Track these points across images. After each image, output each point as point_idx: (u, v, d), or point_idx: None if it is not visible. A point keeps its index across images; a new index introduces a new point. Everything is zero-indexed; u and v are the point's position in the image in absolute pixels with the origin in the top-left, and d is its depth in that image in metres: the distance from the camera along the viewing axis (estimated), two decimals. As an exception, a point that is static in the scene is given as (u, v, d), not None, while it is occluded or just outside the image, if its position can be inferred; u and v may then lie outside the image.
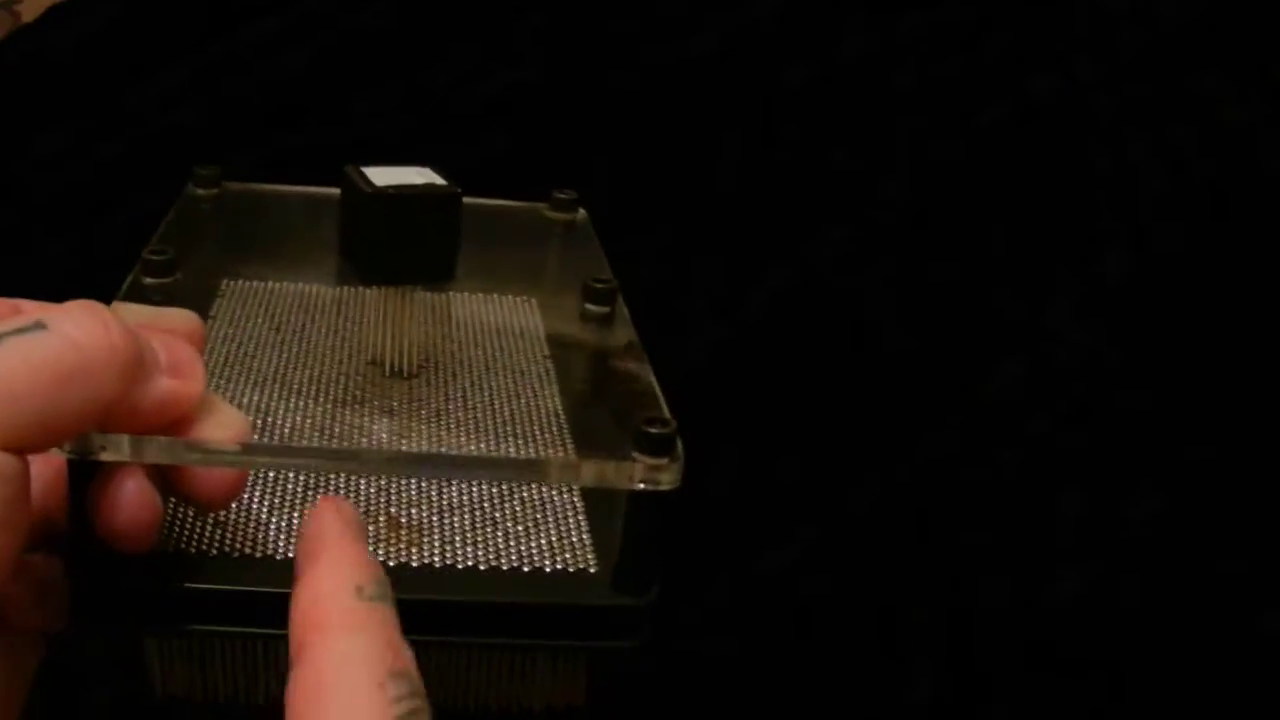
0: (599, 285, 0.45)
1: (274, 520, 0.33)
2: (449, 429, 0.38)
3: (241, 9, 0.77)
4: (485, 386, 0.40)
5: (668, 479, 0.32)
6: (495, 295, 0.47)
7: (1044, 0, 0.75)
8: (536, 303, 0.47)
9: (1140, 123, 0.70)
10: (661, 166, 0.69)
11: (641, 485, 0.31)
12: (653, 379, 0.38)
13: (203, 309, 0.43)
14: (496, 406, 0.39)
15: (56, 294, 0.43)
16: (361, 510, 0.34)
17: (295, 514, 0.34)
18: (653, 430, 0.32)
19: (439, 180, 0.41)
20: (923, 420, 0.56)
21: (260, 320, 0.43)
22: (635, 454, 0.32)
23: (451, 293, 0.47)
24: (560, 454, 0.37)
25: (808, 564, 0.50)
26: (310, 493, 0.35)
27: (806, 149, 0.70)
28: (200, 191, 0.51)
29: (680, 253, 0.65)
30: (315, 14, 0.77)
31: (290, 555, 0.32)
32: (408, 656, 0.23)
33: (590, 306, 0.45)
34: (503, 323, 0.45)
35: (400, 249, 0.41)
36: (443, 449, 0.36)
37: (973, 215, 0.67)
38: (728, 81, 0.73)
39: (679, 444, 0.32)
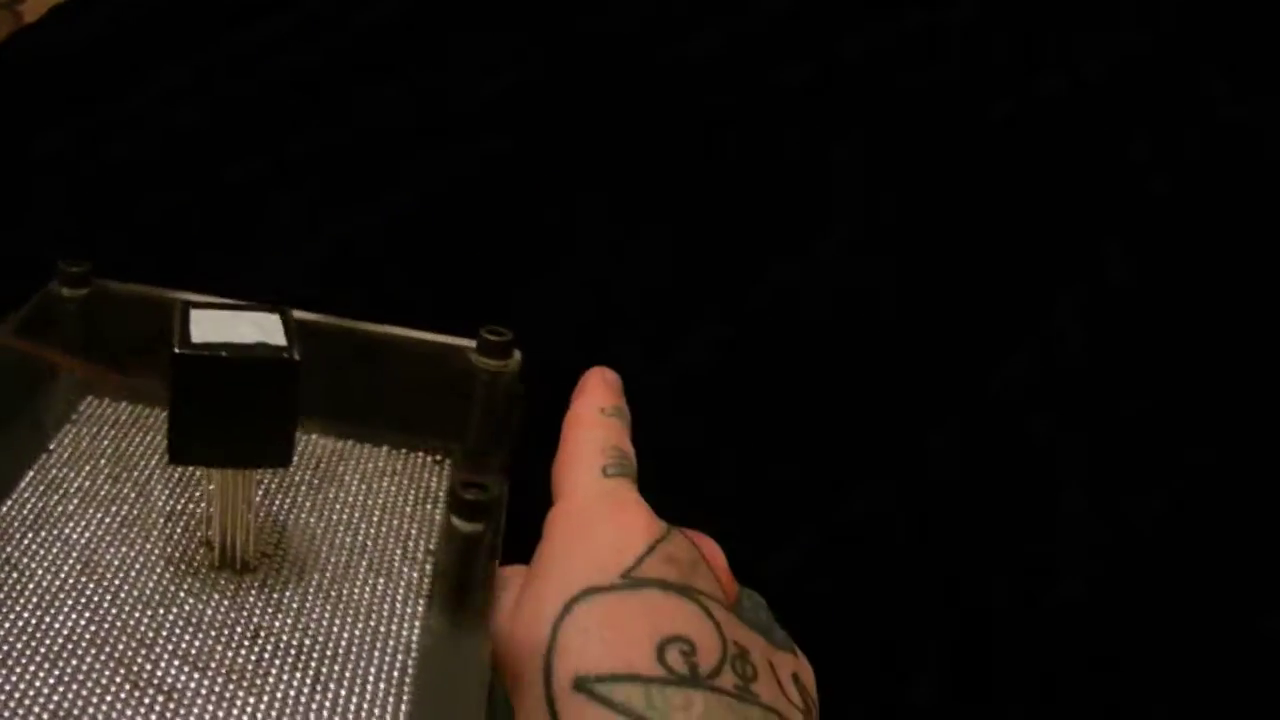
0: (469, 495, 0.36)
1: None
2: (252, 666, 0.31)
3: (242, 9, 0.77)
4: (334, 593, 0.34)
5: None
6: (403, 451, 0.40)
7: (1048, 0, 0.75)
8: (449, 466, 0.40)
9: (1144, 123, 0.70)
10: (662, 166, 0.69)
11: None
12: (484, 666, 0.31)
13: (45, 437, 0.37)
14: (335, 629, 0.33)
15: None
16: None
17: None
18: None
19: (276, 340, 0.33)
20: (924, 420, 0.56)
21: (102, 462, 0.37)
22: None
23: (350, 442, 0.40)
24: None
25: (809, 566, 0.50)
26: None
27: (808, 148, 0.70)
28: (65, 291, 0.43)
29: (681, 252, 0.65)
30: (317, 15, 0.77)
31: None
32: (627, 443, 0.36)
33: (457, 522, 0.36)
34: (397, 494, 0.38)
35: (208, 424, 0.32)
36: None
37: (974, 216, 0.67)
38: (728, 81, 0.73)
39: None
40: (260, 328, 0.33)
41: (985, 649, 0.48)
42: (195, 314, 0.33)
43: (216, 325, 0.33)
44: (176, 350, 0.32)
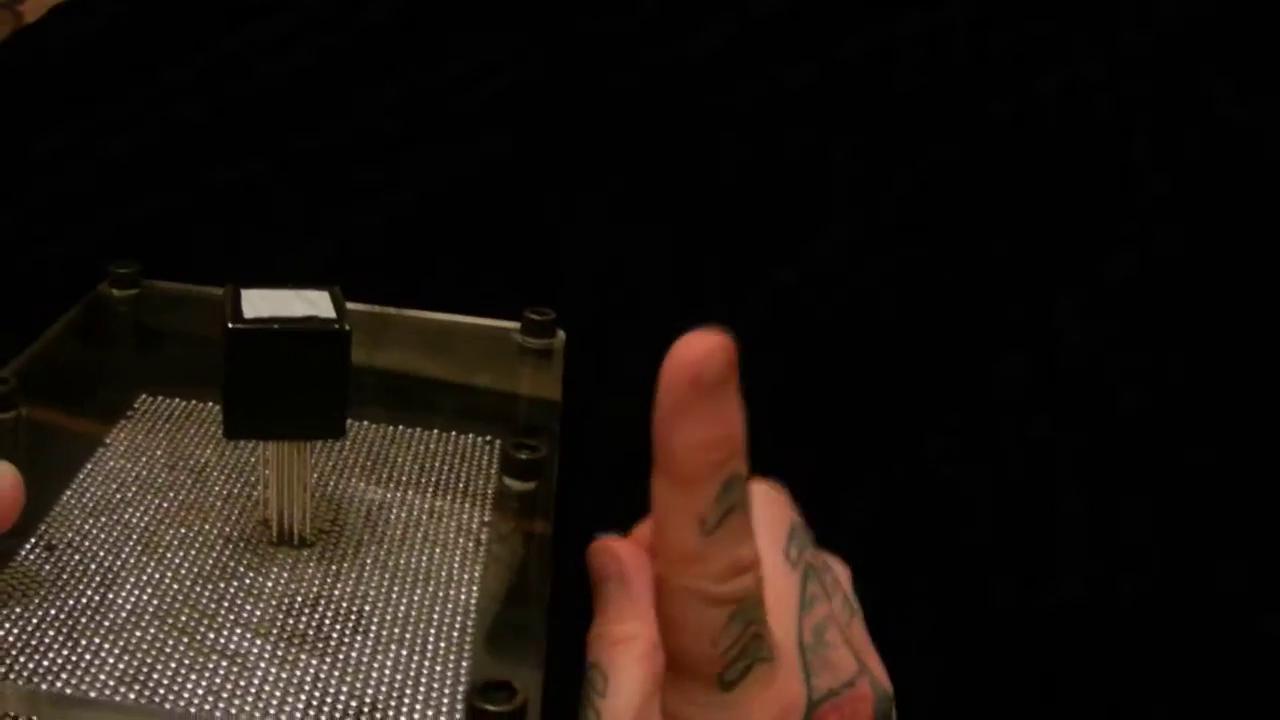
0: (522, 454, 0.37)
1: None
2: (313, 631, 0.32)
3: (243, 9, 0.77)
4: (390, 565, 0.35)
5: None
6: (453, 434, 0.41)
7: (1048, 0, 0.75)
8: (499, 447, 0.41)
9: (1143, 122, 0.70)
10: (662, 166, 0.69)
11: None
12: (539, 613, 0.32)
13: (101, 431, 0.39)
14: (394, 596, 0.33)
15: (56, 294, 0.43)
16: None
17: None
18: (490, 708, 0.25)
19: (327, 313, 0.33)
20: (924, 420, 0.56)
21: (158, 453, 0.39)
22: None
23: (400, 427, 0.41)
24: None
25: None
26: None
27: (807, 149, 0.70)
28: (116, 293, 0.45)
29: (681, 253, 0.65)
30: (317, 14, 0.77)
31: None
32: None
33: (510, 481, 0.37)
34: (450, 473, 0.39)
35: (262, 397, 0.33)
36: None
37: (974, 215, 0.67)
38: (728, 81, 0.73)
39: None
40: (310, 303, 0.34)
41: (985, 649, 0.48)
42: (246, 293, 0.34)
43: (267, 303, 0.34)
44: (230, 325, 0.33)
